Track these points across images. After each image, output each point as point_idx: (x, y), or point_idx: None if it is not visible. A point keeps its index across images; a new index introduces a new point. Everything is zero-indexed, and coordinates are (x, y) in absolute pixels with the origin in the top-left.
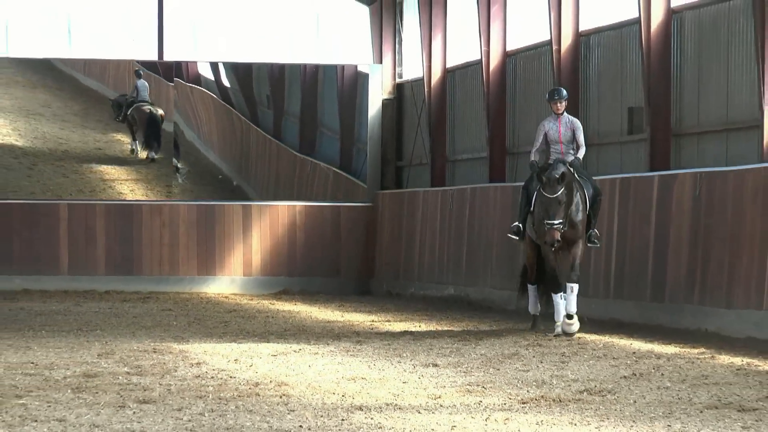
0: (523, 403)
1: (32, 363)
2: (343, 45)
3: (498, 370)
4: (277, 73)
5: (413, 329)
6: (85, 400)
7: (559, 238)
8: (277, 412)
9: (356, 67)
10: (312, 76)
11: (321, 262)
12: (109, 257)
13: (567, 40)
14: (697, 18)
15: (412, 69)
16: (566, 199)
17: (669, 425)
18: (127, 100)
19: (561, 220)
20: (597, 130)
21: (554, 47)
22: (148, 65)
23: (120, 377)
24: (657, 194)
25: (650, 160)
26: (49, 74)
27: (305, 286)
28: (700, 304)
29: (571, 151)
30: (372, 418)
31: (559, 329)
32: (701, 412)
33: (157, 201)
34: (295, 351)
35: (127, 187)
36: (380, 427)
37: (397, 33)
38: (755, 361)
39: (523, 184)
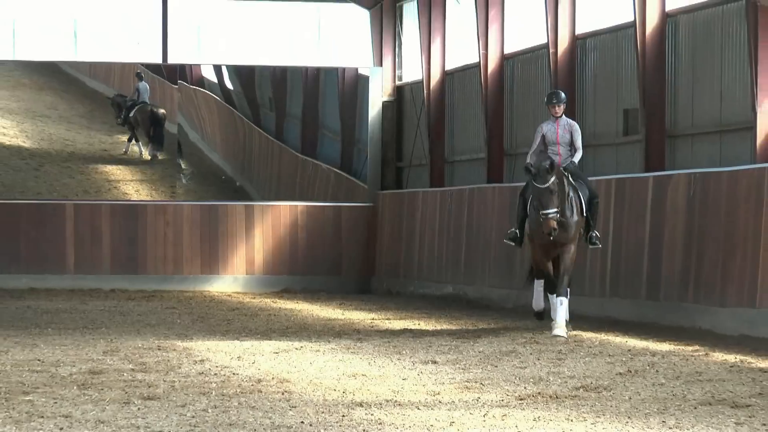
0: (521, 399)
1: (39, 360)
2: (343, 48)
3: (496, 367)
4: (279, 75)
5: (413, 327)
6: (90, 396)
7: (556, 227)
8: (279, 409)
9: (357, 69)
10: (313, 79)
11: (322, 261)
12: (115, 256)
13: (564, 43)
14: (691, 22)
15: (412, 72)
16: (558, 189)
17: (663, 421)
18: (127, 102)
19: (555, 209)
20: (593, 131)
21: (551, 50)
22: (152, 68)
23: (125, 374)
24: (652, 194)
25: (645, 160)
26: (55, 77)
27: (307, 285)
28: (694, 303)
29: (569, 153)
30: (372, 414)
31: (556, 328)
32: (695, 408)
33: (161, 201)
34: (296, 348)
35: (132, 187)
36: (380, 423)
37: (396, 36)
38: (748, 359)
39: (520, 190)
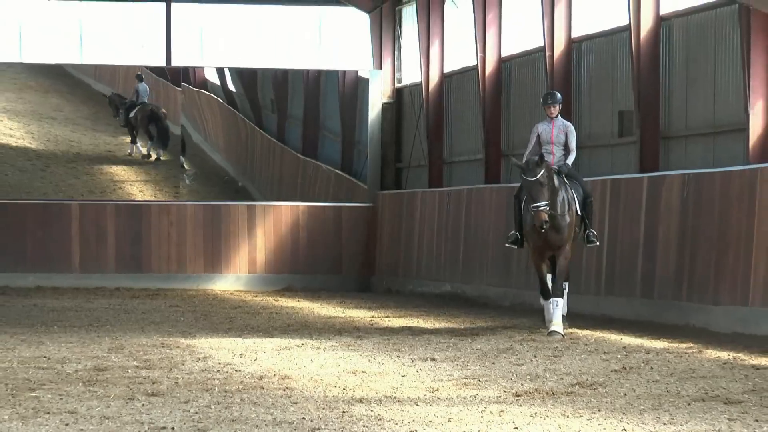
0: (518, 395)
1: (45, 357)
2: (344, 51)
3: (493, 364)
4: (281, 78)
5: (412, 325)
6: (95, 392)
7: (547, 218)
8: (281, 405)
9: (357, 72)
10: (314, 81)
11: (323, 260)
12: (119, 255)
13: (560, 46)
14: (685, 25)
15: (411, 74)
16: (548, 182)
17: (658, 417)
18: (126, 103)
19: (546, 201)
20: (589, 132)
21: (547, 53)
22: (156, 70)
23: (129, 371)
24: (646, 195)
25: (640, 161)
26: (61, 79)
27: (308, 284)
28: (687, 301)
29: (563, 154)
30: (372, 410)
31: (552, 326)
32: (689, 404)
33: (165, 201)
34: (298, 346)
35: (136, 188)
36: (380, 419)
37: (396, 40)
38: (741, 356)
39: (515, 192)
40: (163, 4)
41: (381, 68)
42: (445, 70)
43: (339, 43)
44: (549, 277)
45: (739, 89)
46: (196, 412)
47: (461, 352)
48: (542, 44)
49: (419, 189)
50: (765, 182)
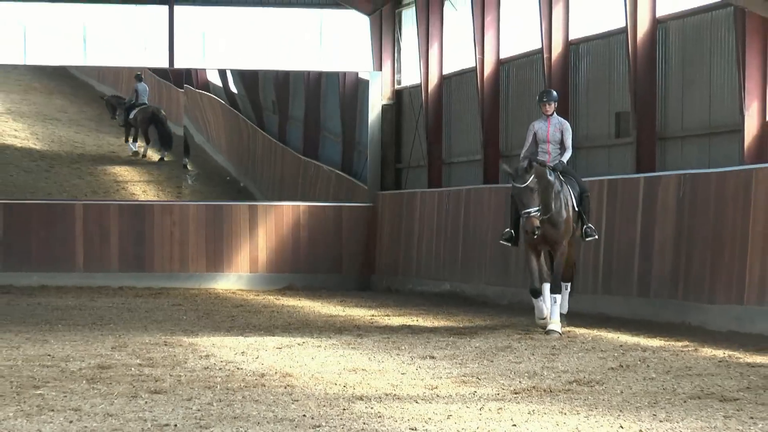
0: (516, 393)
1: (49, 355)
2: (344, 53)
3: (492, 362)
4: (282, 79)
5: (411, 323)
6: (99, 390)
7: (538, 224)
8: (282, 402)
9: (357, 74)
10: (315, 83)
11: (324, 260)
12: (123, 255)
13: (557, 48)
14: (681, 27)
15: (411, 76)
16: (538, 187)
17: (654, 414)
18: (125, 104)
19: (537, 207)
20: (586, 133)
21: (545, 55)
22: (159, 72)
23: (132, 369)
24: (643, 195)
25: (636, 162)
26: (65, 81)
27: (309, 283)
28: (683, 300)
29: (559, 151)
30: (372, 408)
31: (550, 324)
32: (685, 401)
33: (168, 201)
34: (299, 344)
35: (139, 188)
36: (380, 416)
37: (396, 42)
38: (736, 354)
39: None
40: (166, 7)
41: (381, 70)
42: (444, 72)
43: (339, 45)
44: (546, 274)
45: (734, 91)
46: (199, 410)
47: (460, 350)
48: (540, 46)
49: (419, 189)
50: (760, 182)
